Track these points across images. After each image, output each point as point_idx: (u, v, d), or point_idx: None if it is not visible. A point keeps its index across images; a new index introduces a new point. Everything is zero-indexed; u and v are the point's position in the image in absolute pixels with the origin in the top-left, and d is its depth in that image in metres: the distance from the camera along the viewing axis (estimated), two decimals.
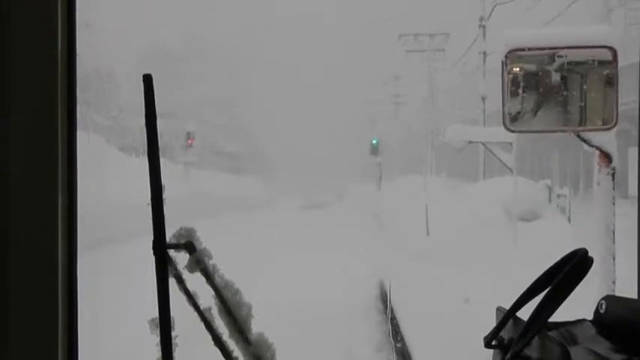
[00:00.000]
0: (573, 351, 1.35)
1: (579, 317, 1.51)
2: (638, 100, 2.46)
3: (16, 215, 1.33)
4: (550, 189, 18.33)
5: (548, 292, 1.36)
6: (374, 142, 38.12)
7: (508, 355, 1.38)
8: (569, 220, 16.12)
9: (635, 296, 1.98)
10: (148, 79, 1.31)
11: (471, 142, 15.63)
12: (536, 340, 1.36)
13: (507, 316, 1.44)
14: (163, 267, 1.31)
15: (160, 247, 1.31)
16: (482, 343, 1.46)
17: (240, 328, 1.36)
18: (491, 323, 1.46)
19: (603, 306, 1.44)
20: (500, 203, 15.10)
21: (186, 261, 1.35)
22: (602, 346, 1.39)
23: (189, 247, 1.35)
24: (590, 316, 1.49)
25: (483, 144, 16.48)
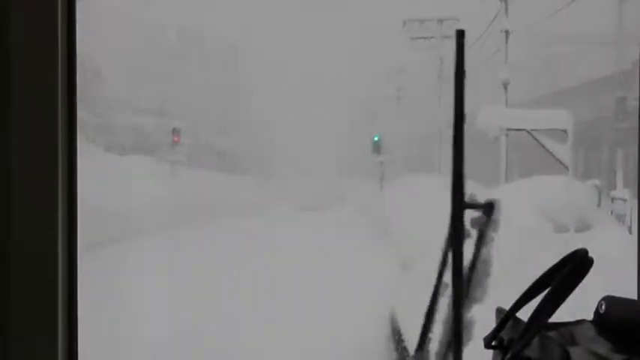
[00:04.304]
0: (573, 351, 1.35)
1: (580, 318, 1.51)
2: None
3: (16, 215, 1.34)
4: (599, 190, 14.61)
5: (548, 292, 1.36)
6: (375, 138, 35.91)
7: (508, 356, 1.38)
8: (629, 230, 12.71)
9: (635, 296, 1.98)
10: (460, 34, 1.31)
11: (510, 130, 12.74)
12: (536, 341, 1.36)
13: (507, 316, 1.44)
14: (461, 225, 1.31)
15: (460, 204, 1.32)
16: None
17: (469, 293, 1.37)
18: None
19: (603, 306, 1.44)
20: (541, 209, 11.65)
21: (476, 217, 1.35)
22: (602, 347, 1.39)
23: (489, 207, 1.36)
24: (589, 317, 1.49)
25: (529, 132, 12.86)
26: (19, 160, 1.34)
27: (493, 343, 1.45)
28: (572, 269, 1.34)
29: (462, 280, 1.35)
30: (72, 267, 1.38)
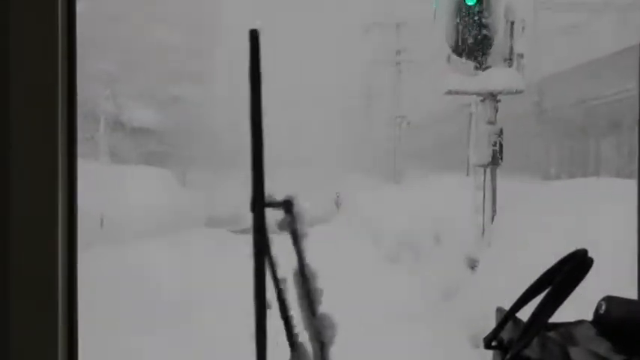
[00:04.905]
0: (573, 352, 1.35)
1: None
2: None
3: (16, 215, 1.34)
4: None
5: (548, 292, 1.36)
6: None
7: (508, 356, 1.38)
8: None
9: (635, 296, 1.98)
10: (254, 34, 1.28)
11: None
12: (536, 341, 1.37)
13: (507, 316, 1.45)
14: (261, 224, 1.30)
15: (259, 203, 1.30)
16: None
17: (311, 297, 1.36)
18: None
19: (603, 306, 1.44)
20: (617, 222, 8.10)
21: (280, 219, 1.33)
22: (602, 347, 1.39)
23: (288, 205, 1.34)
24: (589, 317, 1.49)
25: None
26: (19, 160, 1.34)
27: (493, 343, 1.45)
28: (572, 269, 1.34)
29: (264, 290, 1.34)
30: (72, 266, 1.38)
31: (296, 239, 1.36)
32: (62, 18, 1.37)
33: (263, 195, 1.32)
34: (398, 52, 34.45)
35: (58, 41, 1.36)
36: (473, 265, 10.71)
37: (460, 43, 11.06)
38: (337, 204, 27.13)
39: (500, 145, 11.41)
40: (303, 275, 1.36)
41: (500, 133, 11.45)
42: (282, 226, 1.35)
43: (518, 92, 11.47)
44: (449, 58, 11.40)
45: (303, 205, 1.36)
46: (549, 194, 10.39)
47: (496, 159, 11.41)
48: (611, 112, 18.92)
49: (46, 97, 1.35)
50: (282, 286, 1.34)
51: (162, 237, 15.21)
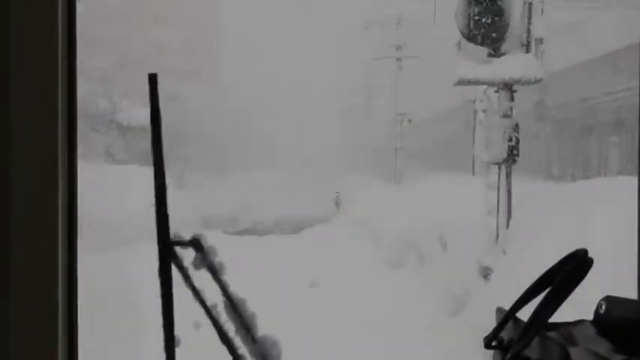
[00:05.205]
0: (573, 351, 1.35)
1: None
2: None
3: (16, 215, 1.34)
4: None
5: (548, 292, 1.36)
6: None
7: (508, 356, 1.38)
8: None
9: (635, 296, 1.98)
10: (152, 78, 1.29)
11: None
12: (536, 341, 1.37)
13: (507, 316, 1.45)
14: (167, 263, 1.29)
15: (165, 242, 1.29)
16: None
17: (247, 325, 1.36)
18: None
19: (603, 306, 1.44)
20: None
21: (193, 258, 1.33)
22: (602, 347, 1.39)
23: (196, 243, 1.33)
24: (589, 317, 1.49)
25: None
26: (19, 160, 1.34)
27: (493, 343, 1.46)
28: (572, 269, 1.34)
29: (172, 330, 1.34)
30: (72, 266, 1.38)
31: (215, 273, 1.35)
32: (62, 18, 1.37)
33: (168, 236, 1.32)
34: (398, 48, 33.37)
35: (58, 41, 1.36)
36: (486, 273, 9.98)
37: (472, 27, 9.99)
38: (337, 204, 26.32)
39: (517, 141, 10.42)
40: (233, 306, 1.35)
41: (517, 127, 10.50)
42: (196, 265, 1.34)
43: (537, 81, 10.33)
44: (459, 45, 10.31)
45: (209, 243, 1.35)
46: (565, 195, 9.50)
47: (512, 156, 10.43)
48: (616, 111, 18.87)
49: (46, 97, 1.35)
50: (213, 313, 1.33)
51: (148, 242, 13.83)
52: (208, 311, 1.33)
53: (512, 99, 10.44)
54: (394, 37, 33.23)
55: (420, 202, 14.14)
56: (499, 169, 10.64)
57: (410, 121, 31.34)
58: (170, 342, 1.31)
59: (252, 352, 1.35)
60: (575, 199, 8.67)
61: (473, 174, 19.48)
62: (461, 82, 10.38)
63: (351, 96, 43.39)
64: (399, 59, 33.23)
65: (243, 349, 1.35)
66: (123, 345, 8.20)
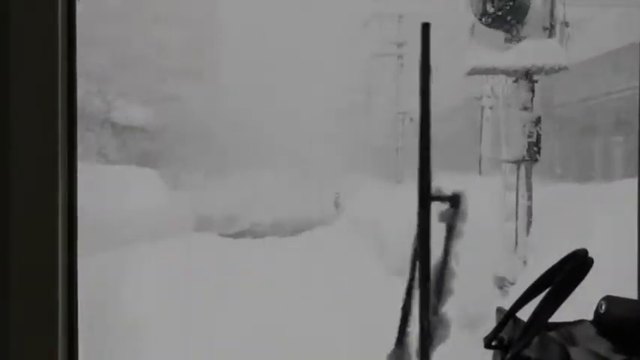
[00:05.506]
0: (573, 351, 1.35)
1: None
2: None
3: (16, 215, 1.34)
4: None
5: (548, 292, 1.36)
6: None
7: (508, 356, 1.38)
8: None
9: (635, 296, 1.98)
10: (425, 27, 1.29)
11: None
12: (536, 341, 1.37)
13: (507, 316, 1.45)
14: (426, 217, 1.29)
15: (426, 197, 1.29)
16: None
17: (440, 296, 1.36)
18: None
19: (603, 306, 1.44)
20: None
21: (444, 210, 1.33)
22: (602, 347, 1.39)
23: (455, 200, 1.34)
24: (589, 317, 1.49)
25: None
26: (19, 160, 1.34)
27: (493, 343, 1.46)
28: (573, 269, 1.34)
29: (429, 278, 1.34)
30: (72, 267, 1.38)
31: (450, 235, 1.36)
32: (62, 18, 1.37)
33: (429, 187, 1.33)
34: (400, 45, 31.94)
35: (58, 41, 1.36)
36: (502, 284, 9.15)
37: (488, 9, 8.98)
38: (337, 205, 25.87)
39: (538, 137, 9.32)
40: (442, 273, 1.36)
41: (538, 121, 9.35)
42: (443, 217, 1.35)
43: (561, 69, 9.30)
44: (472, 29, 9.30)
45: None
46: (591, 197, 8.71)
47: (533, 154, 9.38)
48: (619, 110, 18.81)
49: (46, 97, 1.36)
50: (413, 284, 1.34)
51: (144, 242, 13.52)
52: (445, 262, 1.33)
53: (532, 90, 9.39)
54: (395, 34, 31.98)
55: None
56: (517, 168, 9.63)
57: (412, 119, 31.16)
58: (428, 285, 1.31)
59: (424, 319, 1.36)
60: (606, 201, 7.90)
61: (479, 173, 18.99)
62: (474, 71, 9.39)
63: (351, 94, 42.87)
64: (399, 56, 31.94)
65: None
66: (123, 345, 8.19)
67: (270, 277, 11.37)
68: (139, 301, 9.69)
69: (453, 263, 1.38)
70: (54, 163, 1.35)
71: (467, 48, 9.34)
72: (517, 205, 9.47)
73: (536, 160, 9.46)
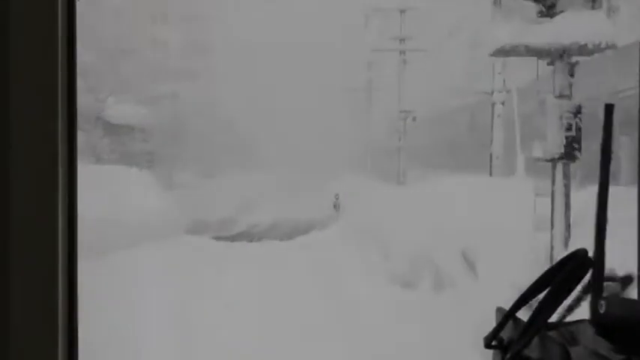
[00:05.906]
0: (573, 351, 1.35)
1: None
2: None
3: (16, 215, 1.34)
4: None
5: (548, 292, 1.36)
6: None
7: (508, 356, 1.38)
8: None
9: (635, 296, 1.99)
10: (609, 109, 1.31)
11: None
12: (536, 341, 1.37)
13: (507, 316, 1.45)
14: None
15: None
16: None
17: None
18: None
19: (603, 306, 1.45)
20: None
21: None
22: (602, 346, 1.39)
23: (626, 281, 1.36)
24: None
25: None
26: (19, 160, 1.34)
27: (493, 343, 1.46)
28: (572, 269, 1.34)
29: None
30: (72, 267, 1.38)
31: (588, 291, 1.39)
32: (62, 18, 1.37)
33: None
34: (402, 40, 30.86)
35: (58, 41, 1.36)
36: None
37: None
38: (336, 206, 25.27)
39: (578, 130, 7.61)
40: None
41: (578, 111, 7.65)
42: (586, 289, 1.38)
43: (609, 48, 7.62)
44: (498, 1, 7.59)
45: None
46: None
47: (571, 151, 7.77)
48: (628, 108, 18.60)
49: (46, 97, 1.36)
50: None
51: (137, 246, 13.19)
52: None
53: (572, 73, 7.76)
54: (397, 29, 30.96)
55: (430, 207, 11.79)
56: (553, 168, 8.12)
57: (414, 118, 30.52)
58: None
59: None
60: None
61: (490, 174, 17.37)
62: (500, 52, 7.73)
63: (352, 93, 42.43)
64: (402, 52, 30.90)
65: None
66: (123, 345, 8.22)
67: (263, 282, 10.91)
68: (131, 305, 9.60)
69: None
70: (54, 163, 1.35)
71: (490, 23, 7.74)
72: (552, 213, 8.04)
73: (576, 159, 7.97)
